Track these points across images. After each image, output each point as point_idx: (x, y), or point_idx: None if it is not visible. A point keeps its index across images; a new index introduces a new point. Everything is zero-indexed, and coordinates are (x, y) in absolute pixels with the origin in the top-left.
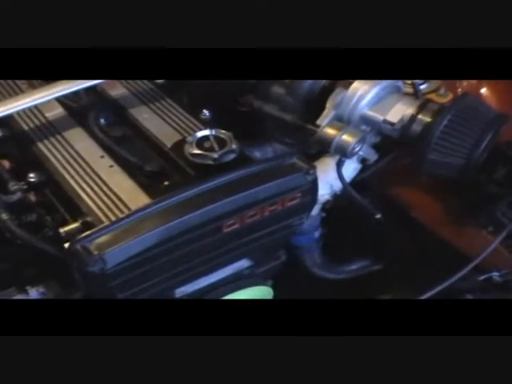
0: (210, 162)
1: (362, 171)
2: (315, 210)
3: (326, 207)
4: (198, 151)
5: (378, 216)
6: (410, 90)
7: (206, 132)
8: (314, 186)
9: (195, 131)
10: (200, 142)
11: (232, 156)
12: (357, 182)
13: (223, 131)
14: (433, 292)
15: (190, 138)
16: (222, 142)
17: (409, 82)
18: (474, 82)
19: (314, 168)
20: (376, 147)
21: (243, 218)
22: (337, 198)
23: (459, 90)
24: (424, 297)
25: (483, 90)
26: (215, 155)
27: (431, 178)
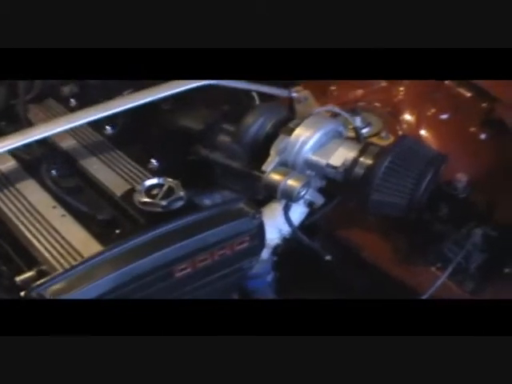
0: (159, 210)
1: (310, 215)
2: (266, 254)
3: (277, 251)
4: (146, 199)
5: (328, 258)
6: (352, 134)
7: (154, 181)
8: (260, 230)
9: (144, 180)
10: (148, 191)
11: (180, 203)
12: (306, 226)
13: (170, 179)
14: None
15: (139, 187)
16: (169, 190)
17: (351, 126)
18: (413, 123)
19: (260, 212)
20: (322, 191)
21: (194, 262)
22: (287, 242)
23: (400, 132)
24: None
25: (423, 131)
26: (164, 203)
27: (378, 219)
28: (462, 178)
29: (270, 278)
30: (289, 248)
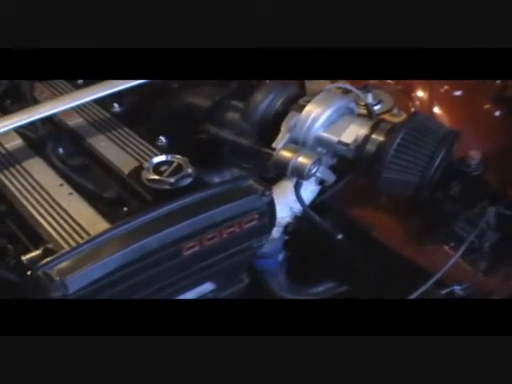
0: (167, 187)
1: (321, 193)
2: (277, 233)
3: (288, 230)
4: (154, 177)
5: (339, 237)
6: (363, 111)
7: (162, 158)
8: (270, 208)
9: (152, 157)
10: (156, 168)
11: (188, 180)
12: (317, 204)
13: (179, 156)
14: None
15: (146, 164)
16: (178, 167)
17: (362, 103)
18: (426, 100)
19: (270, 189)
20: (333, 169)
21: (202, 240)
22: (298, 221)
23: (412, 109)
24: None
25: (436, 108)
26: (172, 180)
27: (390, 197)
28: (475, 156)
29: (280, 257)
30: (300, 227)
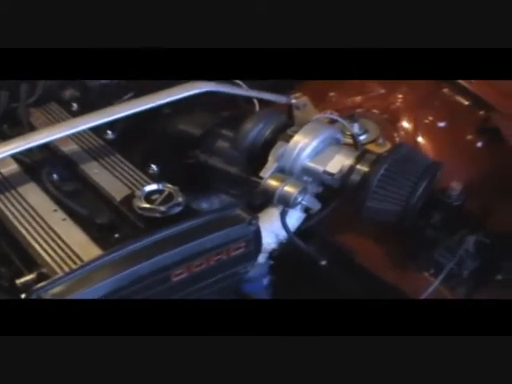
0: (158, 215)
1: (306, 220)
2: (262, 258)
3: (273, 255)
4: (146, 205)
5: (323, 262)
6: (350, 140)
7: (153, 186)
8: (256, 236)
9: (143, 185)
10: (148, 196)
11: (178, 209)
12: (302, 231)
13: (170, 185)
14: None
15: (138, 192)
16: (168, 196)
17: (348, 132)
18: (410, 130)
19: (257, 218)
20: (319, 197)
21: (190, 267)
22: (284, 247)
23: (397, 138)
24: None
25: (420, 138)
26: (162, 208)
27: (373, 224)
28: (456, 187)
29: (266, 281)
30: (285, 252)
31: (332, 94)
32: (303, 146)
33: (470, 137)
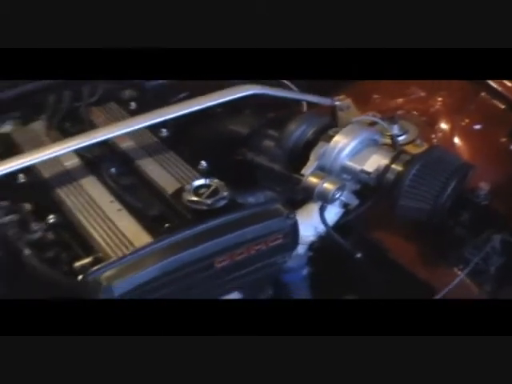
0: (205, 208)
1: (344, 215)
2: (302, 250)
3: (312, 247)
4: (194, 198)
5: (358, 256)
6: (389, 140)
7: (201, 181)
8: (294, 229)
9: (193, 180)
10: (196, 190)
11: (223, 202)
12: (340, 225)
13: (217, 180)
14: None
15: (187, 187)
16: (215, 190)
17: (388, 133)
18: (447, 132)
19: (294, 213)
20: (356, 193)
21: (232, 255)
22: (322, 240)
23: (434, 140)
24: None
25: (456, 140)
26: (209, 201)
27: (406, 222)
28: (484, 187)
29: (304, 272)
30: (323, 245)
31: (374, 96)
32: (342, 146)
33: (502, 139)
